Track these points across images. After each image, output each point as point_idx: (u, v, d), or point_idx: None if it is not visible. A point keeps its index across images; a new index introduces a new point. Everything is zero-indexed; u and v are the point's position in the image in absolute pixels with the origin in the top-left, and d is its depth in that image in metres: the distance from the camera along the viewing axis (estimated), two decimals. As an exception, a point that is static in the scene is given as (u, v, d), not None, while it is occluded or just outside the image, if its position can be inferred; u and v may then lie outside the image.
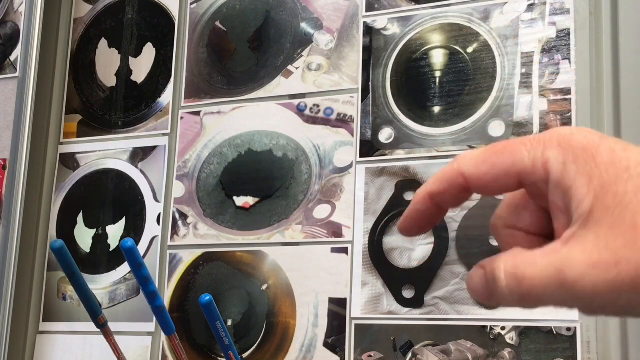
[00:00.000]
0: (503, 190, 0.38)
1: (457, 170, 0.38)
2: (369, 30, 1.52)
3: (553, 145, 0.35)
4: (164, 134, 1.67)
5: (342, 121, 1.51)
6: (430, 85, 1.45)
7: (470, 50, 1.43)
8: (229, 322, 1.52)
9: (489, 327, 1.32)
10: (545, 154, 0.35)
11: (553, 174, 0.35)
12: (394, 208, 1.43)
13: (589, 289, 0.33)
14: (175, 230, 1.61)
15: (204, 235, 1.59)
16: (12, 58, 1.76)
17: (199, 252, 1.58)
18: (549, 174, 0.35)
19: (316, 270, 1.47)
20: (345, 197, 1.47)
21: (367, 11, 1.53)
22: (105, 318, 0.84)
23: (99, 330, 0.84)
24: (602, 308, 0.34)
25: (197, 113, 1.65)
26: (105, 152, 1.73)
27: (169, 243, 1.61)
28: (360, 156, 1.48)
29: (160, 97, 1.69)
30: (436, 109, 1.44)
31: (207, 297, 0.82)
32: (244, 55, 1.64)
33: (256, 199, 1.56)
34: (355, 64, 1.52)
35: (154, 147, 1.68)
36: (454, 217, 1.38)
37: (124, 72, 1.76)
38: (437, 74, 1.45)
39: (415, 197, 0.40)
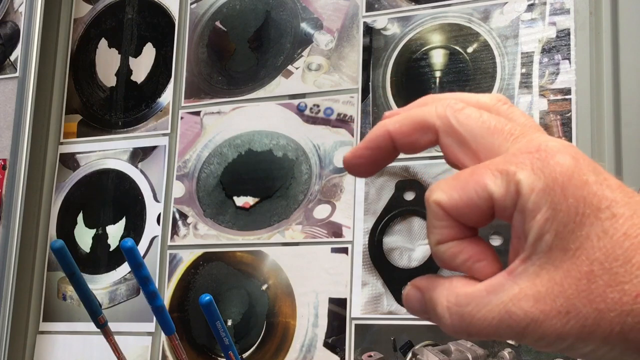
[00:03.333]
0: (480, 218, 0.34)
1: (435, 203, 0.35)
2: (369, 30, 1.52)
3: (525, 168, 0.33)
4: (164, 134, 1.67)
5: (342, 121, 1.51)
6: (430, 85, 1.45)
7: (470, 50, 1.43)
8: (229, 322, 1.52)
9: (489, 327, 1.32)
10: (517, 176, 0.33)
11: (522, 197, 0.32)
12: (394, 208, 1.43)
13: (537, 334, 0.32)
14: (175, 230, 1.61)
15: (204, 235, 1.59)
16: (12, 58, 1.76)
17: (199, 252, 1.58)
18: (519, 196, 0.33)
19: (316, 270, 1.47)
20: (345, 197, 1.47)
21: (367, 11, 1.53)
22: (105, 318, 0.84)
23: (99, 330, 0.84)
24: (547, 347, 0.33)
25: (197, 113, 1.65)
26: (105, 152, 1.73)
27: (169, 243, 1.61)
28: (360, 156, 1.48)
29: (160, 97, 1.69)
30: (436, 109, 1.44)
31: (207, 297, 0.82)
32: (244, 55, 1.64)
33: (256, 199, 1.56)
34: (355, 64, 1.52)
35: (154, 147, 1.68)
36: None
37: (124, 72, 1.76)
38: (437, 74, 1.45)
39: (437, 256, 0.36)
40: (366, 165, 0.39)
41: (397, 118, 0.38)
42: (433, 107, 0.37)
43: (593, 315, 0.31)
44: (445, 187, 0.35)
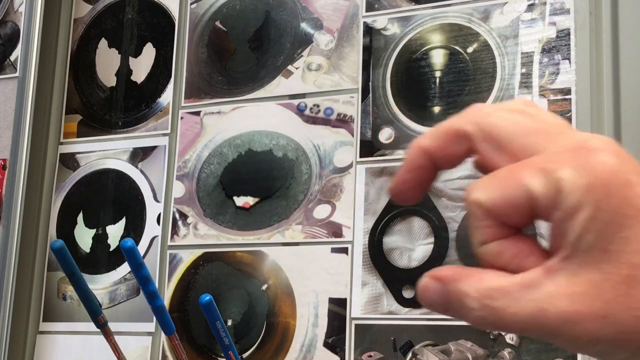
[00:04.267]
0: (521, 217, 0.33)
1: (474, 203, 0.34)
2: (369, 30, 1.52)
3: (567, 166, 0.32)
4: (164, 134, 1.67)
5: (342, 121, 1.51)
6: (430, 85, 1.45)
7: (470, 50, 1.43)
8: (229, 322, 1.52)
9: (489, 327, 1.32)
10: (558, 174, 0.32)
11: (563, 195, 0.31)
12: (394, 208, 1.43)
13: (570, 335, 0.31)
14: (175, 230, 1.61)
15: (204, 235, 1.59)
16: (12, 58, 1.76)
17: (199, 252, 1.58)
18: (560, 194, 0.31)
19: (316, 270, 1.47)
20: (345, 197, 1.47)
21: (367, 11, 1.53)
22: (105, 318, 0.84)
23: (99, 330, 0.84)
24: (579, 349, 0.33)
25: (197, 113, 1.65)
26: (105, 152, 1.73)
27: (169, 243, 1.61)
28: (360, 156, 1.48)
29: (160, 97, 1.69)
30: (436, 109, 1.44)
31: (207, 297, 0.82)
32: (244, 55, 1.64)
33: (256, 199, 1.56)
34: (355, 64, 1.52)
35: (154, 147, 1.68)
36: (454, 217, 1.38)
37: (124, 72, 1.76)
38: (437, 74, 1.45)
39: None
40: (412, 189, 0.38)
41: (428, 133, 0.37)
42: (461, 117, 0.36)
43: (631, 322, 0.30)
44: (485, 185, 0.34)
